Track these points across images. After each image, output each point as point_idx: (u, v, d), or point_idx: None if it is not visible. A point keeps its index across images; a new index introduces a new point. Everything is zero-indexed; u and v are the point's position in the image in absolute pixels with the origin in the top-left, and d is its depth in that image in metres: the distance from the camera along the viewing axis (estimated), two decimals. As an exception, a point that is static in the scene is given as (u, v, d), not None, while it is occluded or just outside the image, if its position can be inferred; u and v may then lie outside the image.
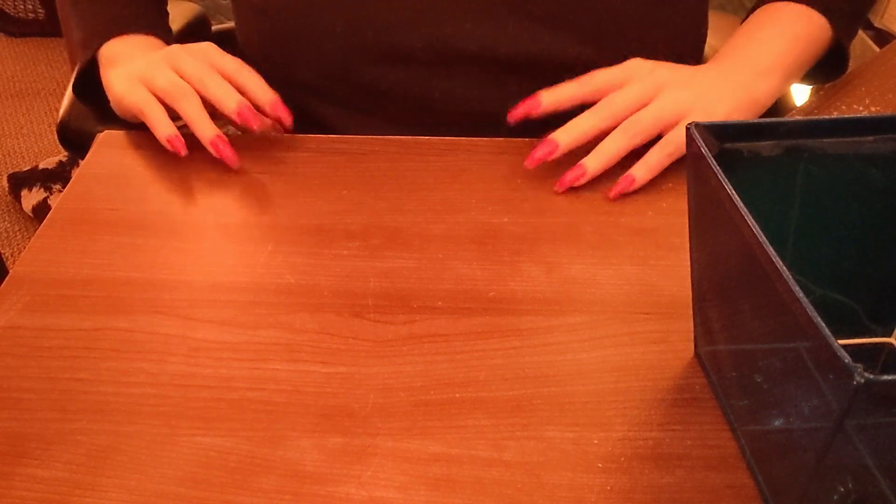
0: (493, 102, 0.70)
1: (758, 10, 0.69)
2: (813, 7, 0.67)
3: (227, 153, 0.62)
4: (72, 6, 0.73)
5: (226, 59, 0.65)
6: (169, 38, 0.72)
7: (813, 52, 0.67)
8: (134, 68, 0.66)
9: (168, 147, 0.62)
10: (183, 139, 0.62)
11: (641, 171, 0.60)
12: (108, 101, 0.68)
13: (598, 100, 0.62)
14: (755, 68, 0.64)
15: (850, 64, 0.71)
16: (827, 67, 0.70)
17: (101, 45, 0.68)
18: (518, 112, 0.63)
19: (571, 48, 0.68)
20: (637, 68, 0.63)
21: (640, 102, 0.61)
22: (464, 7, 0.66)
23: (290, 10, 0.69)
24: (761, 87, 0.63)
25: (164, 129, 0.62)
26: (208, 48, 0.66)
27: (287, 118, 0.64)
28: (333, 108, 0.73)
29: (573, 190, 0.61)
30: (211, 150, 0.62)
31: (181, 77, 0.63)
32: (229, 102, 0.62)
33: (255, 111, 0.63)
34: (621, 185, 0.60)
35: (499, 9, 0.66)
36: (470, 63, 0.68)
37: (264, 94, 0.64)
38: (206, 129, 0.62)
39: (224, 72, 0.64)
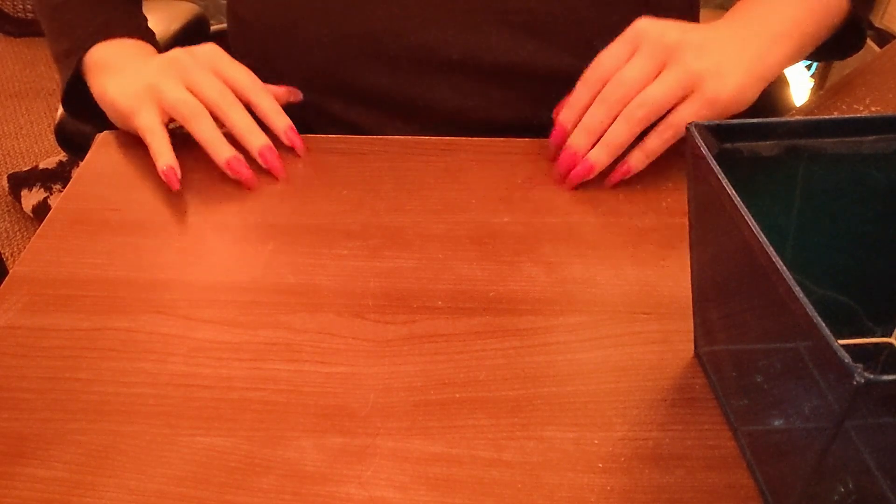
0: (477, 110, 0.70)
1: None
2: None
3: (246, 174, 0.61)
4: (51, 17, 0.70)
5: (239, 73, 0.63)
6: (155, 42, 0.71)
7: (828, 22, 0.64)
8: (140, 78, 0.63)
9: (163, 178, 0.60)
10: (178, 174, 0.60)
11: (637, 157, 0.59)
12: (99, 111, 0.66)
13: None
14: (770, 32, 0.61)
15: (853, 58, 0.71)
16: (842, 43, 0.68)
17: (87, 50, 0.66)
18: (554, 144, 0.62)
19: (554, 57, 0.67)
20: (644, 33, 0.59)
21: (650, 76, 0.58)
22: (448, 15, 0.66)
23: (277, 20, 0.69)
24: (775, 54, 0.61)
25: (164, 159, 0.60)
26: (217, 56, 0.63)
27: (301, 147, 0.63)
28: (321, 116, 0.73)
29: (573, 190, 0.61)
30: (227, 171, 0.61)
31: (192, 91, 0.61)
32: (254, 140, 0.61)
33: (278, 155, 0.62)
34: (619, 172, 0.60)
35: (482, 18, 0.66)
36: (454, 71, 0.68)
37: (279, 119, 0.63)
38: (222, 151, 0.61)
39: (237, 88, 0.62)
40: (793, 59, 0.63)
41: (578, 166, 0.60)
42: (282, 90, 0.67)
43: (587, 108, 0.60)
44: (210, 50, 0.64)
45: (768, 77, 0.60)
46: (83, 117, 0.70)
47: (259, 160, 0.62)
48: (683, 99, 0.58)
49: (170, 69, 0.62)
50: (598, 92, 0.60)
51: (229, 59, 0.64)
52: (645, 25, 0.59)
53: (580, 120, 0.60)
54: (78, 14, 0.68)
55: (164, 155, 0.60)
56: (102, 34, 0.66)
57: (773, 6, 0.63)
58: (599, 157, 0.59)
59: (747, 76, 0.59)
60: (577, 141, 0.60)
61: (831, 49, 0.68)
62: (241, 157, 0.61)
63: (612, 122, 0.59)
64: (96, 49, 0.66)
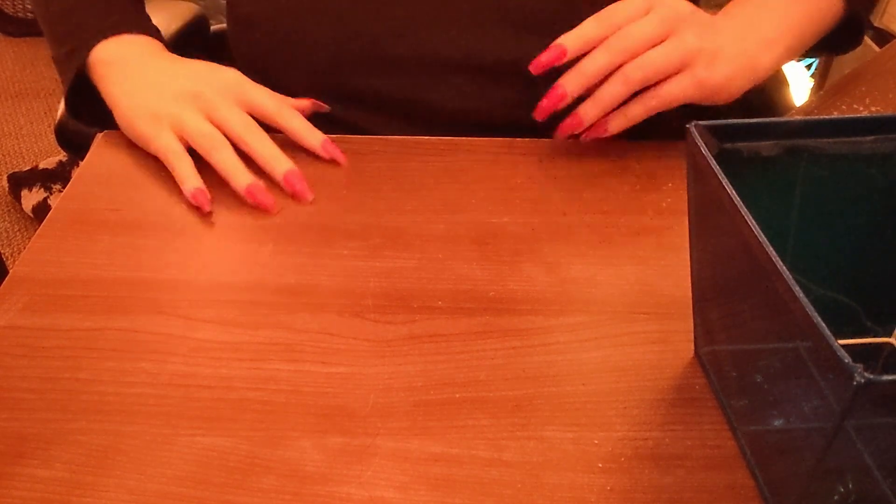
0: (478, 111, 0.69)
1: None
2: None
3: (266, 200, 0.59)
4: (57, 21, 0.69)
5: (263, 97, 0.62)
6: (161, 37, 0.69)
7: (823, 23, 0.65)
8: (156, 96, 0.62)
9: (192, 201, 0.59)
10: (208, 196, 0.59)
11: (618, 121, 0.61)
12: (104, 111, 0.65)
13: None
14: (760, 37, 0.62)
15: (853, 58, 0.71)
16: (841, 39, 0.68)
17: (92, 48, 0.65)
18: (543, 60, 0.60)
19: None
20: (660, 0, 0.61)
21: (656, 38, 0.59)
22: (449, 16, 0.66)
23: (278, 22, 0.69)
24: (764, 58, 0.62)
25: (190, 182, 0.60)
26: (239, 83, 0.63)
27: (342, 157, 0.63)
28: (321, 117, 0.73)
29: (573, 190, 0.61)
30: (247, 198, 0.59)
31: (215, 124, 0.61)
32: (278, 167, 0.60)
33: (303, 178, 0.60)
34: (595, 130, 0.61)
35: (483, 17, 0.66)
36: (456, 72, 0.68)
37: (311, 136, 0.62)
38: (241, 178, 0.60)
39: (264, 114, 0.62)
40: (783, 62, 0.64)
41: (568, 118, 0.61)
42: (306, 103, 0.66)
43: (591, 41, 0.60)
44: (232, 78, 0.63)
45: (757, 77, 0.62)
46: (87, 119, 0.69)
47: (284, 186, 0.61)
48: (676, 73, 0.60)
49: (194, 102, 0.62)
50: (606, 33, 0.60)
51: (252, 86, 0.63)
52: None
53: (583, 49, 0.60)
54: (86, 17, 0.68)
55: (190, 178, 0.60)
56: (106, 32, 0.66)
57: (765, 10, 0.64)
58: (588, 112, 0.60)
59: (739, 69, 0.61)
60: (568, 82, 0.60)
61: (828, 46, 0.68)
62: (260, 183, 0.60)
63: (610, 71, 0.59)
64: (100, 47, 0.65)
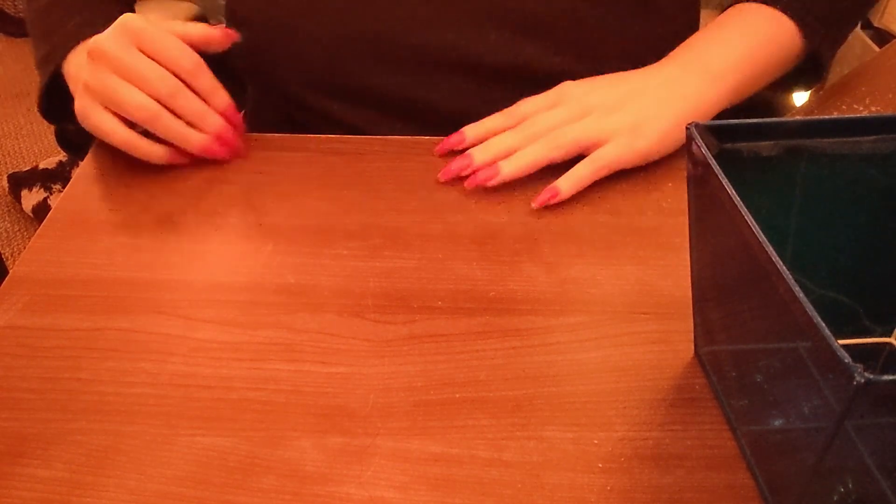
0: (477, 111, 0.69)
1: (727, 10, 0.67)
2: (784, 11, 0.64)
3: (220, 151, 0.62)
4: (36, 21, 0.69)
5: (171, 51, 0.60)
6: None
7: (779, 59, 0.64)
8: (78, 77, 0.60)
9: (175, 163, 0.62)
10: (179, 150, 0.61)
11: (567, 184, 0.59)
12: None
13: None
14: (707, 72, 0.62)
15: (849, 64, 0.70)
16: (805, 74, 0.68)
17: (64, 58, 0.64)
18: (443, 147, 0.63)
19: (555, 59, 0.67)
20: (566, 93, 0.62)
21: (565, 124, 0.60)
22: (447, 17, 0.66)
23: (277, 21, 0.69)
24: (710, 94, 0.61)
25: (156, 152, 0.61)
26: (141, 36, 0.59)
27: (239, 124, 0.64)
28: (320, 116, 0.73)
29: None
30: (208, 156, 0.62)
31: (143, 89, 0.59)
32: (208, 126, 0.61)
33: (233, 132, 0.63)
34: (545, 195, 0.58)
35: (481, 19, 0.66)
36: (454, 72, 0.68)
37: (217, 98, 0.62)
38: (194, 138, 0.61)
39: (172, 69, 0.60)
40: (737, 96, 0.63)
41: (485, 170, 0.60)
42: (217, 34, 0.64)
43: (495, 132, 0.62)
44: (124, 24, 0.60)
45: (705, 117, 0.61)
46: (66, 120, 0.68)
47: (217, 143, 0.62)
48: (600, 145, 0.60)
49: (98, 62, 0.59)
50: (511, 126, 0.62)
51: (151, 35, 0.60)
52: (570, 85, 0.62)
53: (483, 138, 0.62)
54: (59, 17, 0.67)
55: (153, 149, 0.61)
56: (77, 38, 0.65)
57: (714, 44, 0.64)
58: (508, 168, 0.59)
59: (674, 121, 0.60)
60: (478, 154, 0.61)
61: (792, 83, 0.68)
62: (209, 137, 0.62)
63: (515, 151, 0.60)
64: (72, 56, 0.64)
